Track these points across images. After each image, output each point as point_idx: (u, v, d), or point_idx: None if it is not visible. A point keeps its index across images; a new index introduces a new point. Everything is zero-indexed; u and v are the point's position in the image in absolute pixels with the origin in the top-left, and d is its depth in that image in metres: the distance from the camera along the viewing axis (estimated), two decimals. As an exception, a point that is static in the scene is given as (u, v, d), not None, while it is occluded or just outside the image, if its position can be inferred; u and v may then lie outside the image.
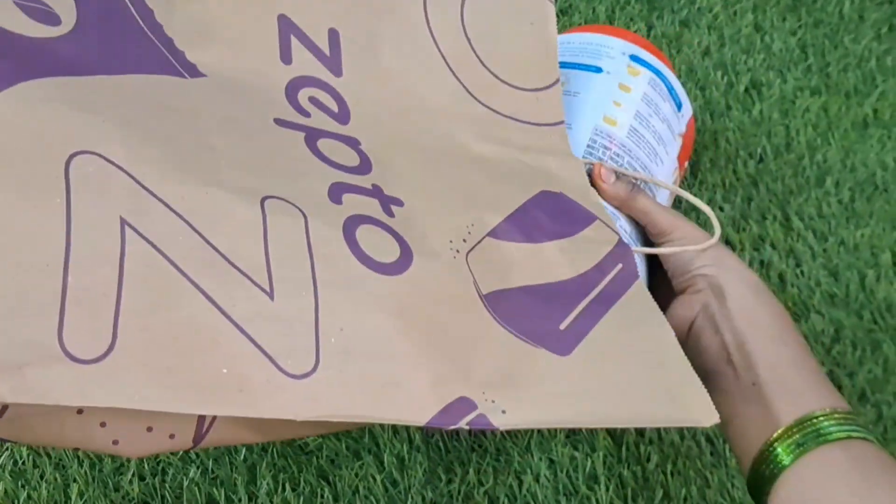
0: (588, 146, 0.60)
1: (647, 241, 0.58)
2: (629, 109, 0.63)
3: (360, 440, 0.64)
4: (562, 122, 0.57)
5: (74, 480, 0.61)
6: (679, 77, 0.82)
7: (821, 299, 0.69)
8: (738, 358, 0.50)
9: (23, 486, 0.61)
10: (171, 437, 0.39)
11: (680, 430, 0.64)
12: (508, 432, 0.63)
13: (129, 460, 0.62)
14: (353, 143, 0.47)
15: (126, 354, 0.33)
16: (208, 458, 0.62)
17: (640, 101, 0.64)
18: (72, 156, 0.37)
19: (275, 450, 0.62)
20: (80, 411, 0.37)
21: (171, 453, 0.63)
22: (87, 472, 0.62)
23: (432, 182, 0.48)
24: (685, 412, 0.42)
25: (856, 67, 0.83)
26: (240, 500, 0.61)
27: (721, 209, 0.74)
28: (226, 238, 0.38)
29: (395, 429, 0.64)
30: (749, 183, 0.76)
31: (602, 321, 0.44)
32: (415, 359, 0.38)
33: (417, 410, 0.37)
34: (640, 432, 0.64)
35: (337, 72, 0.50)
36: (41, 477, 0.62)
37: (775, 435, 0.45)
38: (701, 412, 0.42)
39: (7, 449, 0.62)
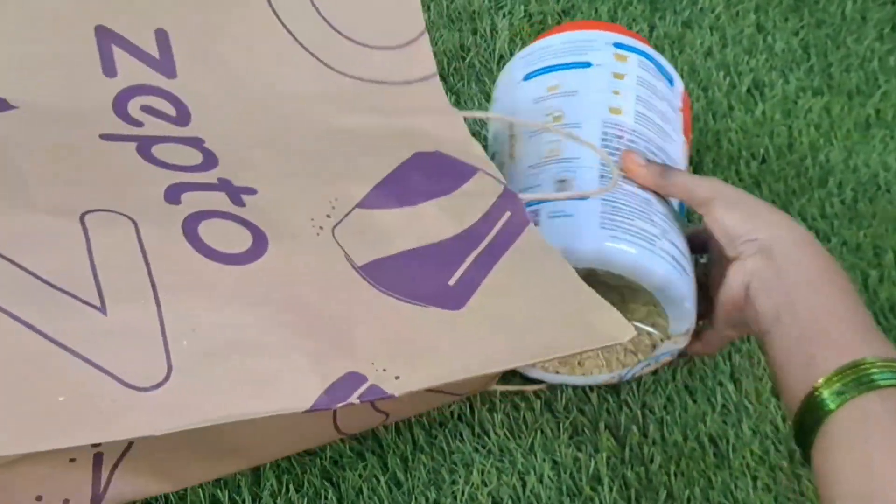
0: (602, 139, 0.60)
1: (695, 248, 0.60)
2: (629, 95, 0.63)
3: (363, 441, 0.64)
4: (434, 75, 0.57)
5: (78, 481, 0.61)
6: (682, 77, 0.82)
7: (824, 300, 0.69)
8: (785, 314, 0.50)
9: (27, 488, 0.61)
10: (66, 502, 0.37)
11: (683, 432, 0.64)
12: (512, 432, 0.63)
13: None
14: (195, 142, 0.46)
15: None
16: (212, 459, 0.63)
17: (637, 84, 0.64)
18: None
19: (278, 451, 0.63)
20: None
21: None
22: (91, 473, 0.62)
23: (287, 165, 0.47)
24: (600, 333, 0.42)
25: (858, 68, 0.83)
26: (244, 502, 0.61)
27: (724, 210, 0.74)
28: (44, 261, 0.36)
29: (398, 430, 0.64)
30: (751, 183, 0.76)
31: (495, 269, 0.44)
32: (288, 344, 0.37)
33: (301, 395, 0.36)
34: (644, 433, 0.64)
35: (170, 73, 0.48)
36: (45, 478, 0.62)
37: (821, 381, 0.45)
38: (616, 329, 0.43)
39: (11, 450, 0.63)
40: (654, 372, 0.65)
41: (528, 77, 0.67)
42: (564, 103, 0.63)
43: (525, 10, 0.85)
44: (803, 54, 0.84)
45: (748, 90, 0.82)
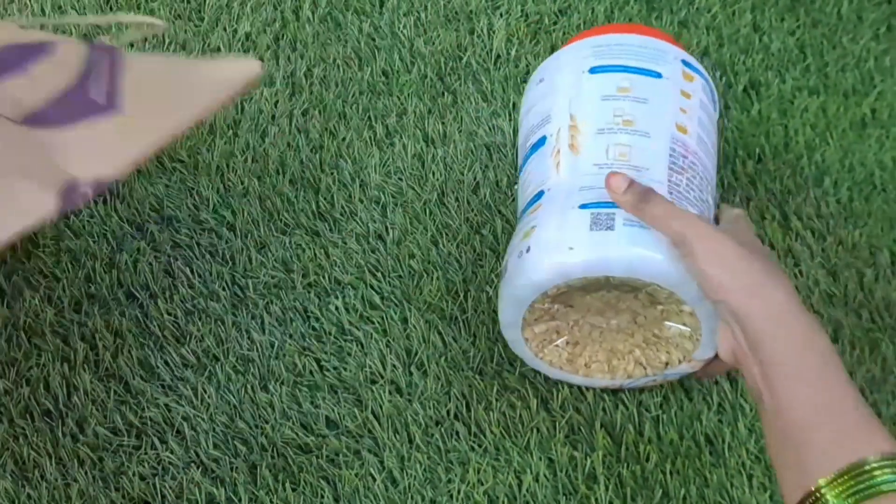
0: (670, 155, 0.60)
1: None
2: (693, 117, 0.63)
3: (360, 440, 0.64)
4: None
5: (75, 480, 0.61)
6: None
7: (819, 299, 0.69)
8: (766, 397, 0.48)
9: (23, 486, 0.61)
10: None
11: (679, 430, 0.64)
12: (508, 431, 0.63)
13: (130, 460, 0.62)
14: None
15: None
16: (209, 457, 0.63)
17: (699, 107, 0.64)
18: None
19: (275, 450, 0.63)
20: None
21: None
22: (88, 471, 0.62)
23: None
24: (236, 76, 0.53)
25: (854, 67, 0.84)
26: (240, 500, 0.61)
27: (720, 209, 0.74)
28: None
29: (395, 428, 0.64)
30: (747, 183, 0.76)
31: (126, 76, 0.53)
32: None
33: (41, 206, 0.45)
34: (640, 431, 0.64)
35: None
36: (42, 477, 0.62)
37: (822, 483, 0.43)
38: (247, 68, 0.54)
39: (8, 449, 0.63)
40: (661, 386, 0.65)
41: (595, 70, 0.65)
42: (635, 109, 0.62)
43: (522, 10, 0.85)
44: (799, 54, 0.84)
45: (744, 90, 0.82)
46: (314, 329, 0.68)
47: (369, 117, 0.79)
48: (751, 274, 0.50)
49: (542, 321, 0.60)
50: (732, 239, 0.52)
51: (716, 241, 0.51)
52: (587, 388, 0.65)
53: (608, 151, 0.60)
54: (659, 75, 0.63)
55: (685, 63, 0.65)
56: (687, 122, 0.62)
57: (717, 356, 0.58)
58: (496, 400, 0.64)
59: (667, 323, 0.60)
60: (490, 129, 0.78)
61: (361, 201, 0.74)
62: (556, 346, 0.62)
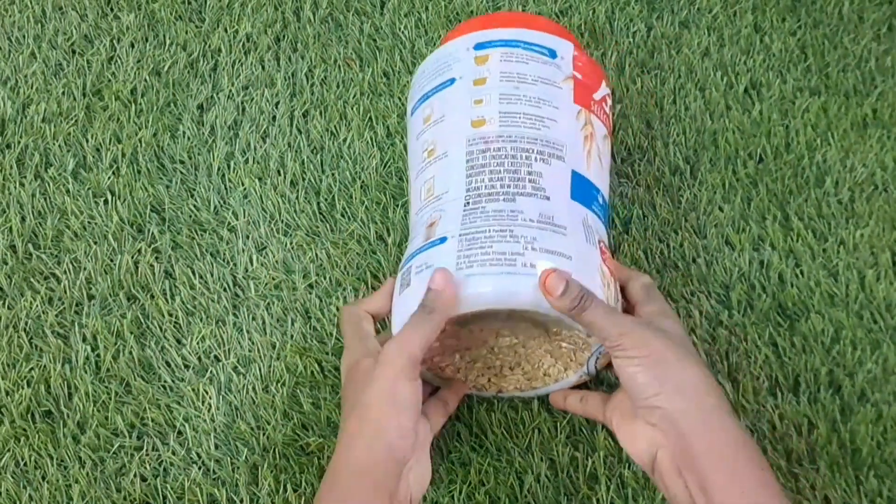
0: (468, 162, 0.57)
1: None
2: (492, 99, 0.60)
3: (361, 441, 0.64)
4: None
5: (76, 481, 0.61)
6: (678, 78, 0.82)
7: (820, 299, 0.69)
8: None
9: (24, 487, 0.61)
10: None
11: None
12: (509, 431, 0.63)
13: (131, 461, 0.62)
14: None
15: None
16: (210, 458, 0.63)
17: (499, 82, 0.60)
18: None
19: (276, 450, 0.63)
20: None
21: (173, 453, 0.63)
22: (89, 472, 0.62)
23: None
24: None
25: (855, 68, 0.84)
26: (241, 501, 0.61)
27: (721, 210, 0.74)
28: None
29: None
30: (749, 183, 0.76)
31: None
32: None
33: None
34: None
35: None
36: (43, 478, 0.62)
37: None
38: None
39: (9, 450, 0.63)
40: None
41: (413, 110, 0.65)
42: (436, 133, 0.60)
43: (523, 10, 0.85)
44: (800, 54, 0.84)
45: (745, 90, 0.82)
46: (315, 330, 0.68)
47: (370, 118, 0.79)
48: (686, 370, 0.51)
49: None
50: (669, 344, 0.52)
51: (652, 348, 0.52)
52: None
53: (422, 193, 0.59)
54: (452, 81, 0.61)
55: (478, 46, 0.62)
56: (483, 112, 0.59)
57: (591, 396, 0.59)
58: (497, 401, 0.64)
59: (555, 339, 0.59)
60: (491, 129, 0.78)
61: (362, 202, 0.74)
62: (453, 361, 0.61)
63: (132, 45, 0.82)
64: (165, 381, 0.66)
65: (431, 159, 0.60)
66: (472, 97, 0.60)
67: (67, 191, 0.74)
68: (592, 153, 0.61)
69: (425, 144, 0.61)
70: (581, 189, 0.59)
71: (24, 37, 0.83)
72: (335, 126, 0.79)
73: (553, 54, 0.63)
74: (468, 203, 0.56)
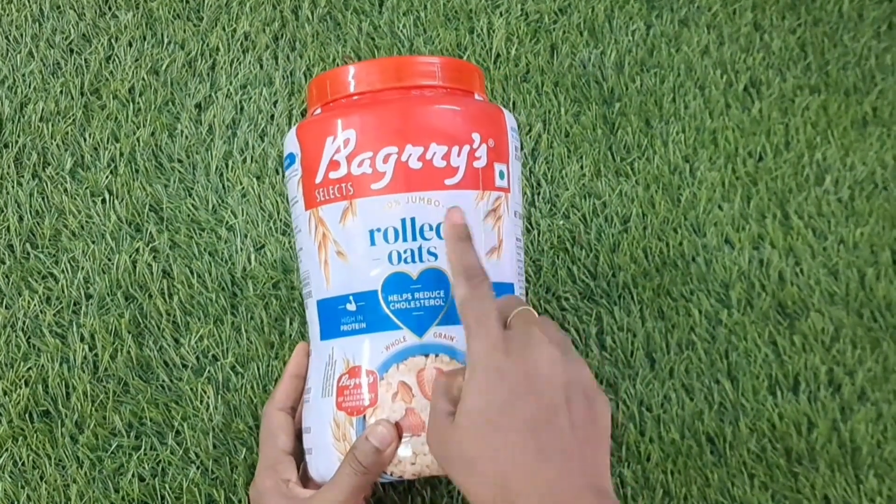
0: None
1: None
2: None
3: (359, 440, 0.64)
4: None
5: (74, 481, 0.61)
6: (678, 76, 0.82)
7: (820, 298, 0.69)
8: None
9: (22, 487, 0.61)
10: None
11: (680, 430, 0.64)
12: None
13: (129, 461, 0.62)
14: None
15: None
16: (208, 458, 0.62)
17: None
18: None
19: (275, 450, 0.62)
20: None
21: (171, 453, 0.63)
22: (87, 472, 0.62)
23: None
24: None
25: (855, 66, 0.83)
26: (240, 501, 0.61)
27: (720, 208, 0.74)
28: None
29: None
30: (748, 182, 0.76)
31: None
32: None
33: None
34: (641, 431, 0.64)
35: None
36: (41, 478, 0.62)
37: None
38: None
39: (7, 450, 0.62)
40: (661, 385, 0.65)
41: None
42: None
43: (522, 9, 0.85)
44: (800, 52, 0.84)
45: (745, 88, 0.82)
46: (314, 329, 0.68)
47: (369, 117, 0.79)
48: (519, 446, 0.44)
49: None
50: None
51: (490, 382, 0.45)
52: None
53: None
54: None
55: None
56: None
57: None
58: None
59: None
60: (490, 128, 0.78)
61: (361, 201, 0.74)
62: None
63: (130, 44, 0.82)
64: (163, 381, 0.66)
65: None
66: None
67: (65, 190, 0.74)
68: (322, 257, 0.56)
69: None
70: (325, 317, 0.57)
71: (21, 36, 0.82)
72: (334, 125, 0.79)
73: (292, 160, 0.58)
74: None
